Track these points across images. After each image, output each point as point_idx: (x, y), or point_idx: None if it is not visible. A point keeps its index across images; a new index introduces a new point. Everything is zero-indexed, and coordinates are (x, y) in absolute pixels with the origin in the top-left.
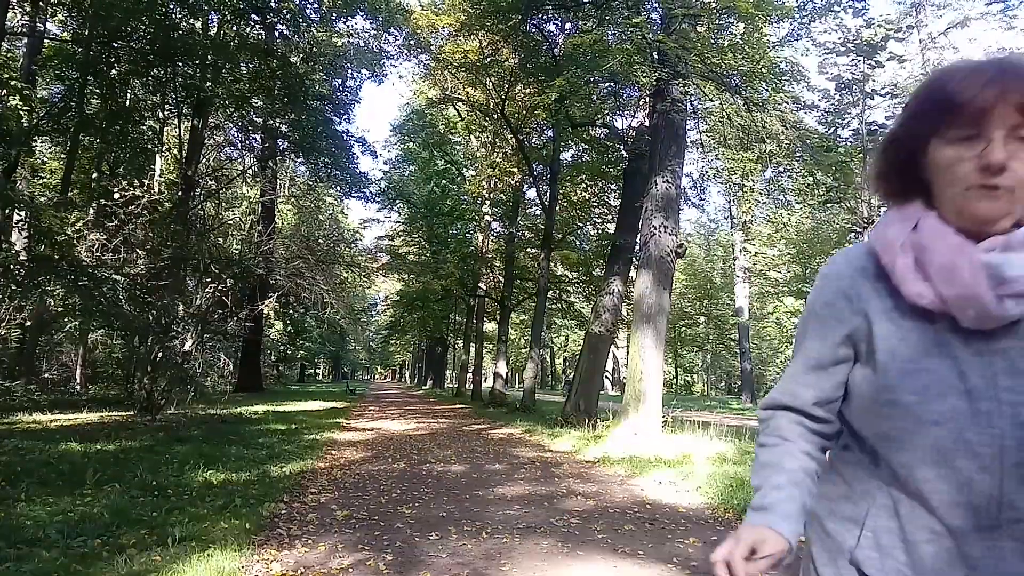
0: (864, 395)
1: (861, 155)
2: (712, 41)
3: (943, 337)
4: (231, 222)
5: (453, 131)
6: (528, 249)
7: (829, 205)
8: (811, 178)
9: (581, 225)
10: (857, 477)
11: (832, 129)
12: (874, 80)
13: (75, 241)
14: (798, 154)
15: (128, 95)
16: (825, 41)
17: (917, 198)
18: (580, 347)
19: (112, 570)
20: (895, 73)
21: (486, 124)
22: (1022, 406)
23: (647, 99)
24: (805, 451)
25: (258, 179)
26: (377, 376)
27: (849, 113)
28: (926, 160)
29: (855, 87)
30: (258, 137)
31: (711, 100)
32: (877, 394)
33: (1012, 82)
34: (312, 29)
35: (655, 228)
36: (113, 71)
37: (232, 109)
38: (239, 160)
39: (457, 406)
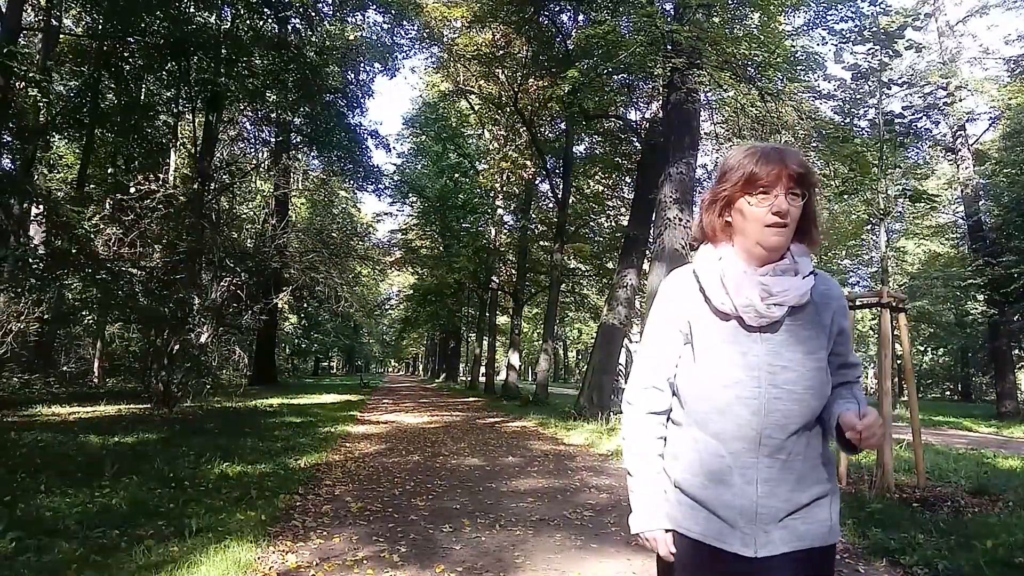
0: (686, 368)
1: (878, 145)
2: (727, 31)
3: (733, 331)
4: (245, 216)
5: (465, 124)
6: (541, 242)
7: (845, 196)
8: (827, 169)
9: (594, 217)
10: (676, 428)
11: (848, 119)
12: (891, 69)
13: (92, 235)
14: (814, 144)
15: (143, 90)
16: (842, 29)
17: (725, 240)
18: (593, 340)
19: (130, 561)
20: (913, 62)
21: (499, 117)
22: (775, 374)
23: (661, 90)
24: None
25: (272, 173)
26: (391, 369)
27: (866, 103)
28: (737, 210)
29: (872, 76)
30: (272, 131)
31: (725, 91)
32: (693, 366)
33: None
34: (325, 23)
35: (669, 220)
36: (127, 66)
37: (246, 103)
38: (253, 154)
39: (470, 399)
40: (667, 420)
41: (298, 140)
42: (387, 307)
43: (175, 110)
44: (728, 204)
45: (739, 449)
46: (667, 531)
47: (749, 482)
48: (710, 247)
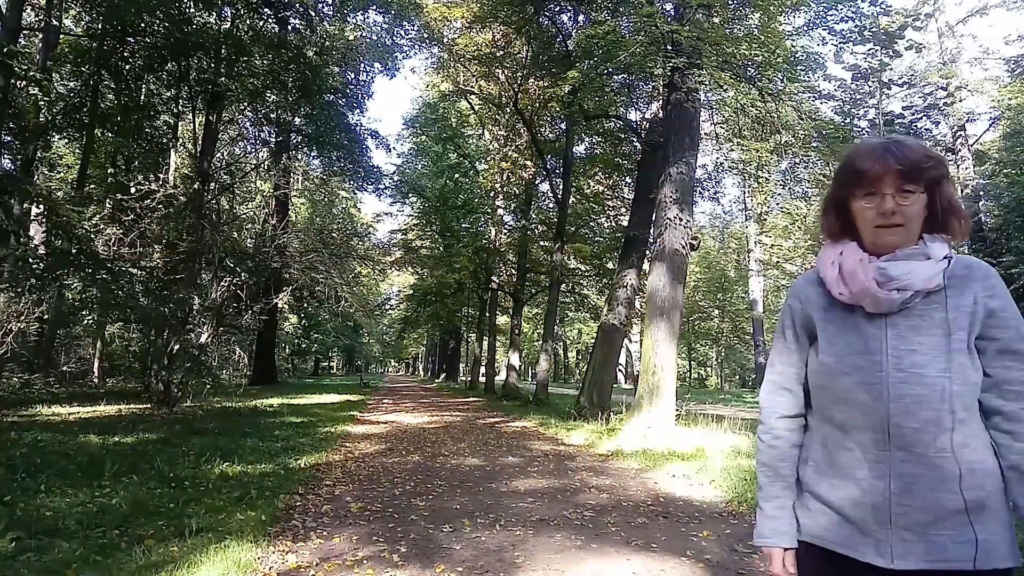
0: (811, 362)
1: None
2: (727, 31)
3: (856, 319)
4: (245, 216)
5: (465, 124)
6: (541, 242)
7: None
8: (827, 169)
9: (594, 218)
10: (808, 431)
11: (848, 119)
12: (891, 69)
13: (92, 235)
14: (814, 144)
15: (142, 90)
16: (842, 30)
17: (848, 235)
18: (593, 340)
19: (130, 561)
20: (913, 62)
21: (499, 117)
22: (901, 358)
23: (661, 90)
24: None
25: (272, 173)
26: (391, 369)
27: (866, 103)
28: (851, 211)
29: (872, 76)
30: (272, 131)
31: (725, 91)
32: (816, 359)
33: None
34: (325, 23)
35: (669, 220)
36: (127, 66)
37: (246, 103)
38: (253, 154)
39: (470, 399)
40: (801, 425)
41: (298, 140)
42: (387, 307)
43: (175, 110)
44: (841, 205)
45: (867, 440)
46: (788, 549)
47: (880, 477)
48: (831, 245)
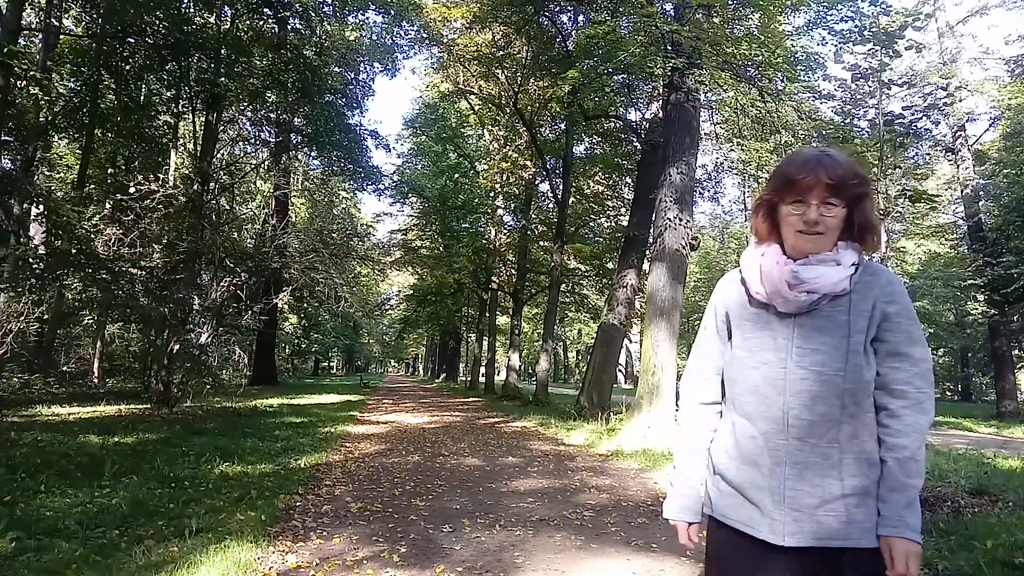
0: (726, 356)
1: (878, 145)
2: (727, 31)
3: (768, 318)
4: (245, 216)
5: (465, 125)
6: (541, 242)
7: None
8: None
9: (594, 218)
10: (722, 417)
11: (848, 119)
12: (891, 69)
13: (92, 235)
14: (814, 144)
15: (142, 90)
16: (842, 30)
17: (774, 237)
18: (593, 340)
19: (130, 561)
20: (913, 62)
21: (499, 117)
22: (804, 356)
23: (661, 90)
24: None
25: (272, 173)
26: (391, 369)
27: (866, 103)
28: (779, 214)
29: (872, 77)
30: (272, 131)
31: (725, 91)
32: (730, 353)
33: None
34: (324, 23)
35: (669, 220)
36: (127, 66)
37: (246, 103)
38: (253, 154)
39: (470, 399)
40: (717, 412)
41: (298, 140)
42: (387, 307)
43: (175, 110)
44: (772, 208)
45: (768, 429)
46: (691, 523)
47: (778, 463)
48: (755, 246)
